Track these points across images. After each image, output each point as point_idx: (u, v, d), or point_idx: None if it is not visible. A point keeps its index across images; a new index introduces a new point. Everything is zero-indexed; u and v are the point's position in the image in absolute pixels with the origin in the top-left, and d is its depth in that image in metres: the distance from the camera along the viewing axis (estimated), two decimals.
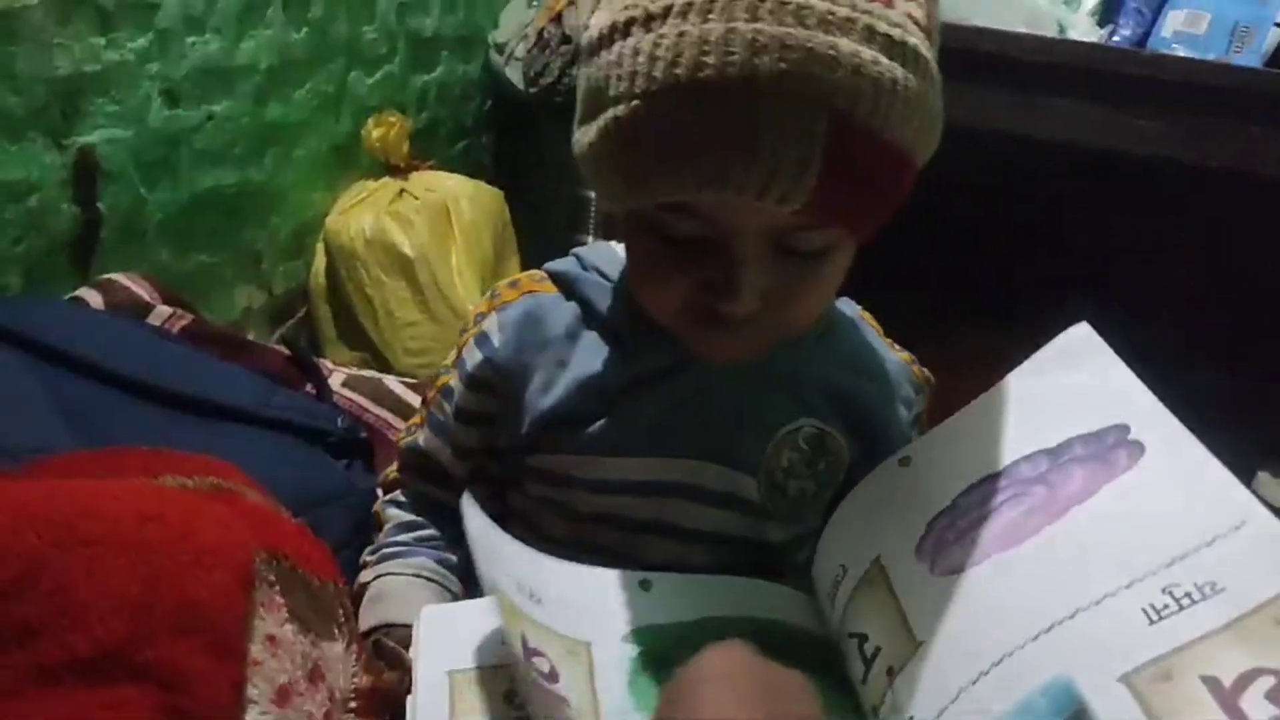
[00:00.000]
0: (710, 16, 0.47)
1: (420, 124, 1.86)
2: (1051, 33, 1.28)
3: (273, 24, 1.41)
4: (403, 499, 0.77)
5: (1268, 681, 0.38)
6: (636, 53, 0.49)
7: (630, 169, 0.51)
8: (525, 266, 0.73)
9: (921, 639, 0.50)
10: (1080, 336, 0.56)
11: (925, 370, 0.74)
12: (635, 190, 0.52)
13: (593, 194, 1.99)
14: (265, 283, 1.54)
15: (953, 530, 0.53)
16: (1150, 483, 0.48)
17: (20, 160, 1.02)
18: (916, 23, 0.50)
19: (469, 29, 2.02)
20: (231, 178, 1.38)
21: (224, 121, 1.34)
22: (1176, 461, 0.48)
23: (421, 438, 0.74)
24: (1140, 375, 0.51)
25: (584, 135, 0.54)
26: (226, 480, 0.63)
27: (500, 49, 2.01)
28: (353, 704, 0.57)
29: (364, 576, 0.73)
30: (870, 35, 0.48)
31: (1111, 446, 0.50)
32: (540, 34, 1.92)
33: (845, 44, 0.47)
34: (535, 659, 0.50)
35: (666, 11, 0.48)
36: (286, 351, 1.13)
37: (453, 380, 0.71)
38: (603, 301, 0.67)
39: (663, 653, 0.55)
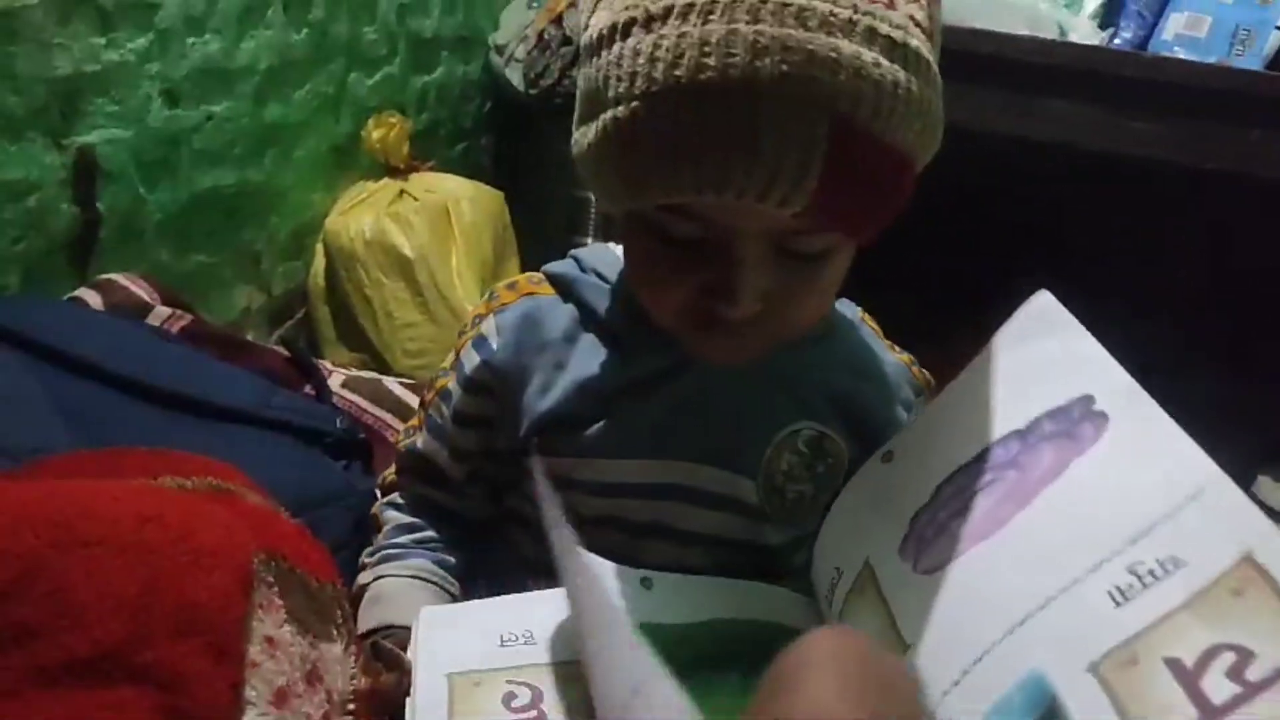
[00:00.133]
0: (711, 18, 0.47)
1: (420, 125, 1.86)
2: (1052, 35, 1.28)
3: (273, 24, 1.41)
4: (401, 501, 0.77)
5: (1228, 658, 0.37)
6: (636, 53, 0.49)
7: (629, 170, 0.51)
8: (525, 268, 0.72)
9: (910, 641, 0.49)
10: (1042, 305, 0.54)
11: (925, 372, 0.74)
12: (634, 192, 0.52)
13: (593, 195, 1.99)
14: (264, 283, 1.54)
15: (933, 526, 0.52)
16: (1114, 456, 0.46)
17: (20, 160, 1.02)
18: (918, 24, 0.50)
19: (469, 30, 2.02)
20: (231, 178, 1.38)
21: (224, 122, 1.34)
22: (1137, 430, 0.46)
23: (420, 440, 0.74)
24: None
25: (583, 136, 0.54)
26: (225, 481, 0.63)
27: (500, 50, 2.01)
28: (351, 706, 0.57)
29: (362, 578, 0.73)
30: (872, 37, 0.47)
31: (1078, 420, 0.48)
32: (540, 35, 1.93)
33: (847, 46, 0.47)
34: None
35: (667, 12, 0.48)
36: (285, 352, 1.12)
37: (451, 383, 0.71)
38: (601, 303, 0.67)
39: (664, 653, 0.55)
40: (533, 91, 1.93)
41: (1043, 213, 1.43)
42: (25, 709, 0.43)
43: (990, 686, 0.43)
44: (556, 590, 0.61)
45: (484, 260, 1.68)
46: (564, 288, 0.69)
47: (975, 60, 1.19)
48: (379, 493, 0.80)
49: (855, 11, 0.47)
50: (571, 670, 0.54)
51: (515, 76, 1.97)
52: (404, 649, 0.60)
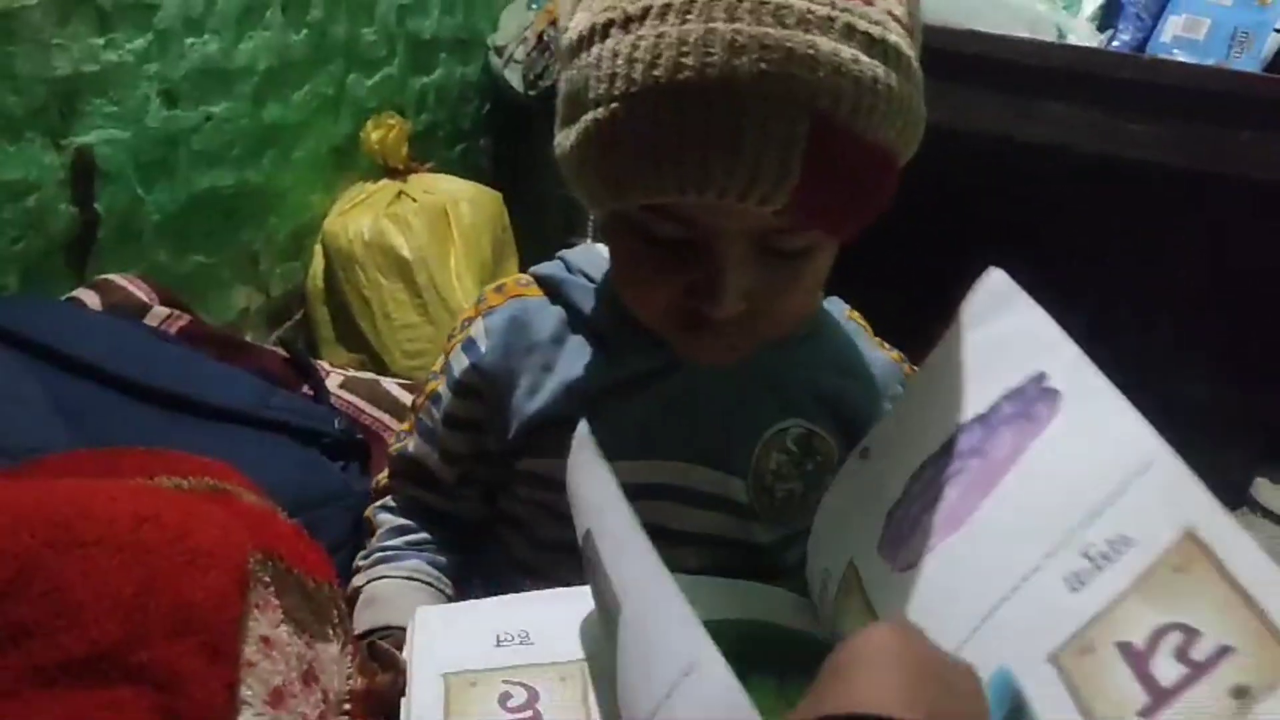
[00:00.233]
0: (689, 17, 0.47)
1: (419, 126, 1.86)
2: (1051, 37, 1.29)
3: (272, 25, 1.41)
4: (393, 504, 0.77)
5: (1175, 638, 0.36)
6: (615, 55, 0.49)
7: (611, 171, 0.51)
8: (524, 269, 0.72)
9: None
10: (993, 283, 0.51)
11: (917, 369, 0.74)
12: (616, 193, 0.52)
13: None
14: (263, 284, 1.54)
15: (907, 522, 0.50)
16: (1066, 435, 0.44)
17: (18, 160, 1.02)
18: (897, 20, 0.50)
19: (468, 31, 2.02)
20: (229, 179, 1.38)
21: (222, 123, 1.34)
22: (1086, 406, 0.44)
23: (411, 444, 0.74)
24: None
25: (565, 138, 0.54)
26: (223, 481, 0.63)
27: (499, 52, 2.02)
28: (347, 706, 0.57)
29: (357, 580, 0.73)
30: (850, 33, 0.47)
31: (1033, 400, 0.46)
32: (539, 37, 1.93)
33: (825, 43, 0.47)
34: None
35: (645, 13, 0.48)
36: (284, 353, 1.13)
37: (440, 386, 0.71)
38: (588, 304, 0.67)
39: None
40: (532, 93, 1.93)
41: (1040, 214, 1.43)
42: (23, 708, 0.43)
43: None
44: (553, 591, 0.61)
45: (483, 261, 1.68)
46: (551, 289, 0.69)
47: (973, 62, 1.19)
48: (372, 496, 0.80)
49: (833, 8, 0.47)
50: (567, 670, 0.54)
51: (514, 78, 1.97)
52: (400, 649, 0.60)
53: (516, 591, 0.62)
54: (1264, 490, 1.26)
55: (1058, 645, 0.39)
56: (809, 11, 0.47)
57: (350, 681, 0.58)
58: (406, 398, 1.14)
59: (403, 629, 0.62)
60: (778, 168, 0.47)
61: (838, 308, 0.73)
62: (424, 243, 1.59)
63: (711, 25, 0.46)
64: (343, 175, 1.67)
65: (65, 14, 1.05)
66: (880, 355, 0.71)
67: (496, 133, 2.18)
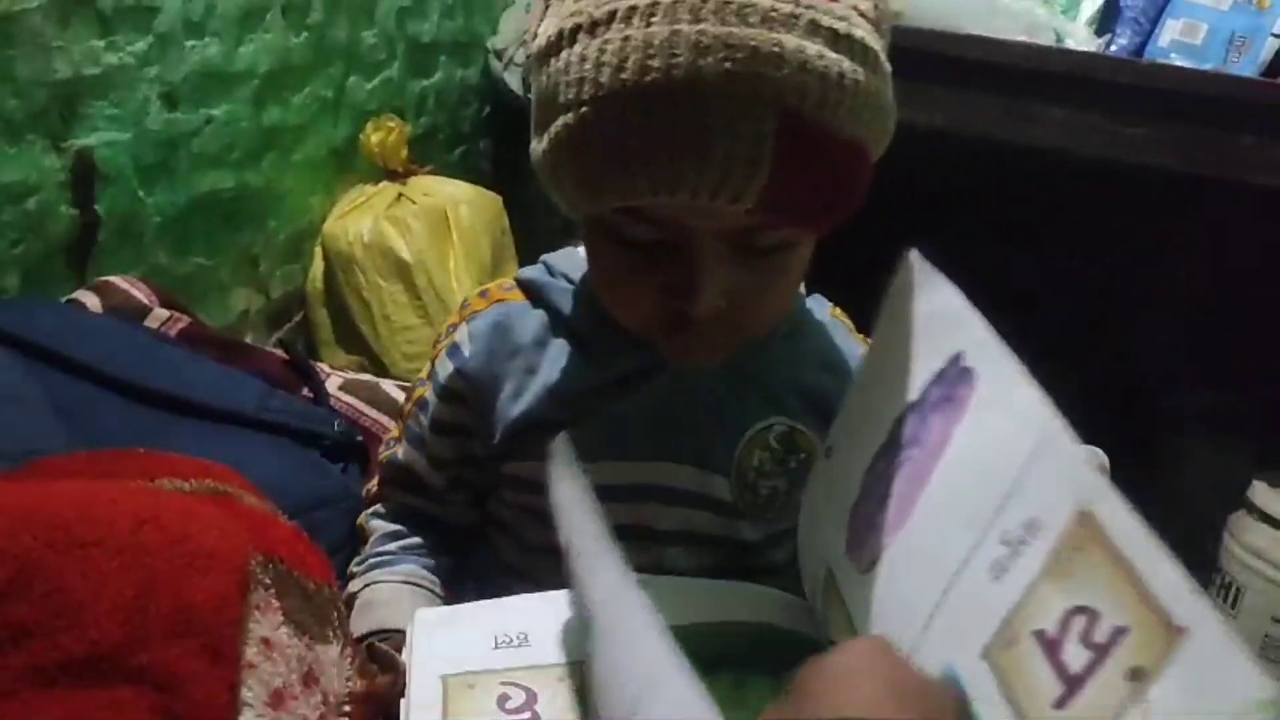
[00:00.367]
0: (653, 20, 0.47)
1: (419, 129, 1.86)
2: (1049, 42, 1.29)
3: (272, 28, 1.41)
4: (384, 511, 0.77)
5: (1080, 622, 0.35)
6: (583, 59, 0.49)
7: (583, 175, 0.52)
8: None
9: None
10: (910, 267, 0.50)
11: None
12: (589, 196, 0.52)
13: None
14: (263, 286, 1.54)
15: (864, 520, 0.49)
16: (980, 416, 0.43)
17: (19, 162, 1.02)
18: (862, 14, 0.50)
19: (468, 34, 2.02)
20: (230, 181, 1.38)
21: (222, 125, 1.34)
22: (994, 384, 0.43)
23: (400, 451, 0.75)
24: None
25: (538, 143, 0.54)
26: (223, 483, 0.63)
27: (499, 55, 2.02)
28: (347, 707, 0.57)
29: (353, 586, 0.73)
30: (814, 30, 0.48)
31: (954, 382, 0.45)
32: None
33: (790, 40, 0.47)
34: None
35: (611, 17, 0.48)
36: (284, 355, 1.13)
37: (427, 392, 0.72)
38: (569, 307, 0.67)
39: None
40: (531, 96, 1.93)
41: (1040, 218, 1.43)
42: (22, 709, 0.43)
43: None
44: (552, 593, 0.61)
45: (482, 264, 1.69)
46: (534, 293, 0.69)
47: (972, 66, 1.19)
48: (364, 503, 0.80)
49: (797, 5, 0.48)
50: (566, 672, 0.55)
51: (514, 81, 1.97)
52: (399, 652, 0.61)
53: (507, 594, 0.63)
54: (1262, 493, 1.26)
55: (988, 640, 0.38)
56: (773, 10, 0.47)
57: (350, 683, 0.58)
58: None
59: (401, 632, 0.62)
60: (747, 166, 0.47)
61: (820, 305, 0.73)
62: (423, 245, 1.59)
63: (676, 27, 0.47)
64: (342, 178, 1.67)
65: (66, 17, 1.05)
66: (862, 350, 0.72)
67: (496, 135, 2.18)
